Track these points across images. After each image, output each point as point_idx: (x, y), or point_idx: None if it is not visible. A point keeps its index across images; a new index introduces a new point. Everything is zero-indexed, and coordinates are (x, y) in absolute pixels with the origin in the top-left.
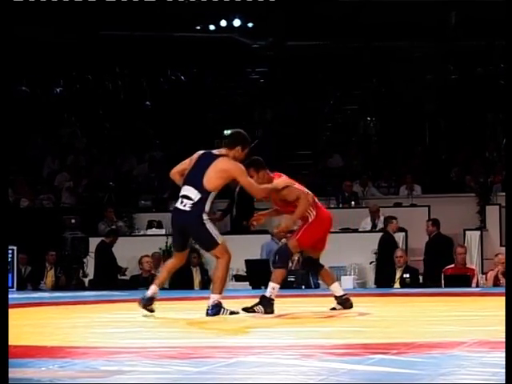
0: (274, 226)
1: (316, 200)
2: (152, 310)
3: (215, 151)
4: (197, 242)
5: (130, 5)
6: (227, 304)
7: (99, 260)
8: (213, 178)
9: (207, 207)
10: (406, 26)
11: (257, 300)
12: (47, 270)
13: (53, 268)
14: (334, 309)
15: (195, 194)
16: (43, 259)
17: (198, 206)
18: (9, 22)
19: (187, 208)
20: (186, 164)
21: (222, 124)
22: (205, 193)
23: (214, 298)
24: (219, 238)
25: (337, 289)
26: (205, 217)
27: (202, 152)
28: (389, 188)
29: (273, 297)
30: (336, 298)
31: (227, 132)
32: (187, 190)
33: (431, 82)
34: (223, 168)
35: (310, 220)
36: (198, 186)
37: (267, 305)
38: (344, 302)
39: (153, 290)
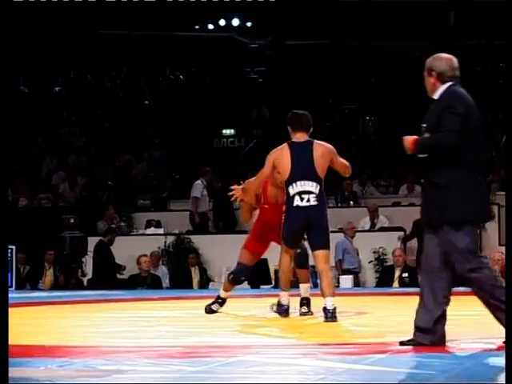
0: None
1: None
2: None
3: (298, 140)
4: (314, 236)
5: (129, 4)
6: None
7: (98, 259)
8: (322, 164)
9: None
10: (405, 26)
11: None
12: (46, 269)
13: (51, 267)
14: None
15: (314, 187)
16: (42, 258)
17: (322, 197)
18: (8, 21)
19: (314, 202)
20: (266, 172)
21: (220, 123)
22: (320, 182)
23: (330, 300)
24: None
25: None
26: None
27: (285, 148)
28: (388, 187)
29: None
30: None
31: (296, 113)
32: (304, 185)
33: None
34: (326, 151)
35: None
36: (313, 177)
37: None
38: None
39: (286, 297)
